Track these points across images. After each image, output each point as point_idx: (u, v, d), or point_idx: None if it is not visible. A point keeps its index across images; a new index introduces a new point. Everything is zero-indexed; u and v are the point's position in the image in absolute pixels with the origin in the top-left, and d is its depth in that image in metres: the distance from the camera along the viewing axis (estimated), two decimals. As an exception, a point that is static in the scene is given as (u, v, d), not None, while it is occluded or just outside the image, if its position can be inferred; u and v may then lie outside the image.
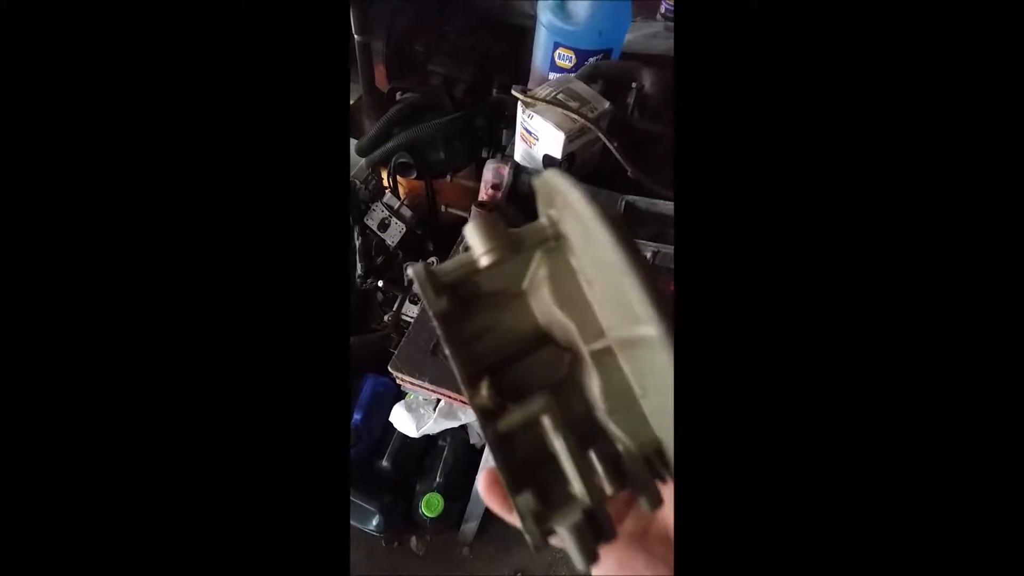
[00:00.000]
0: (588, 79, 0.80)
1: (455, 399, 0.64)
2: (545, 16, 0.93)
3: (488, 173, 0.65)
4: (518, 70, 1.29)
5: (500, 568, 1.16)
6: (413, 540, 1.14)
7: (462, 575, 1.13)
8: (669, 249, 0.55)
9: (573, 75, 0.79)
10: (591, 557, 0.22)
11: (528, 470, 0.24)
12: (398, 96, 1.20)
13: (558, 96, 0.74)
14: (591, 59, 0.91)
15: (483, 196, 0.65)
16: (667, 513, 0.25)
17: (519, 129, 0.76)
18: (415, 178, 1.17)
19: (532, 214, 0.62)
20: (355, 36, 1.06)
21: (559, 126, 0.71)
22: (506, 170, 0.63)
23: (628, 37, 0.97)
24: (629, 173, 0.68)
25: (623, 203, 0.59)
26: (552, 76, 0.96)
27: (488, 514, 1.13)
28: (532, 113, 0.72)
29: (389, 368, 0.60)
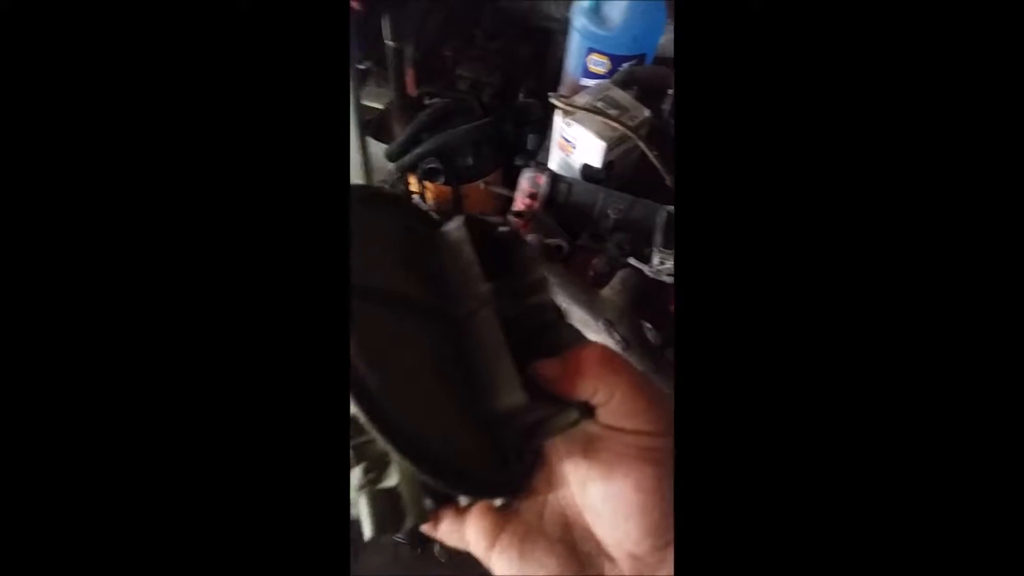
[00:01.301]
0: (623, 85, 0.79)
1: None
2: (579, 20, 0.92)
3: (524, 182, 0.64)
4: (544, 74, 1.28)
5: (523, 577, 1.15)
6: (437, 547, 1.14)
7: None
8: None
9: (609, 82, 0.77)
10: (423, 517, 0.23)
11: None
12: (427, 101, 1.20)
13: (597, 104, 0.72)
14: (625, 64, 0.90)
15: (519, 206, 0.64)
16: (560, 495, 0.25)
17: (556, 137, 0.75)
18: (443, 183, 1.17)
19: (569, 225, 0.61)
20: (388, 42, 1.07)
21: (599, 135, 0.69)
22: (543, 179, 0.62)
23: (662, 41, 0.96)
24: (667, 182, 0.66)
25: (665, 214, 0.58)
26: (585, 82, 0.95)
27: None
28: (571, 121, 0.71)
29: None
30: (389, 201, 0.31)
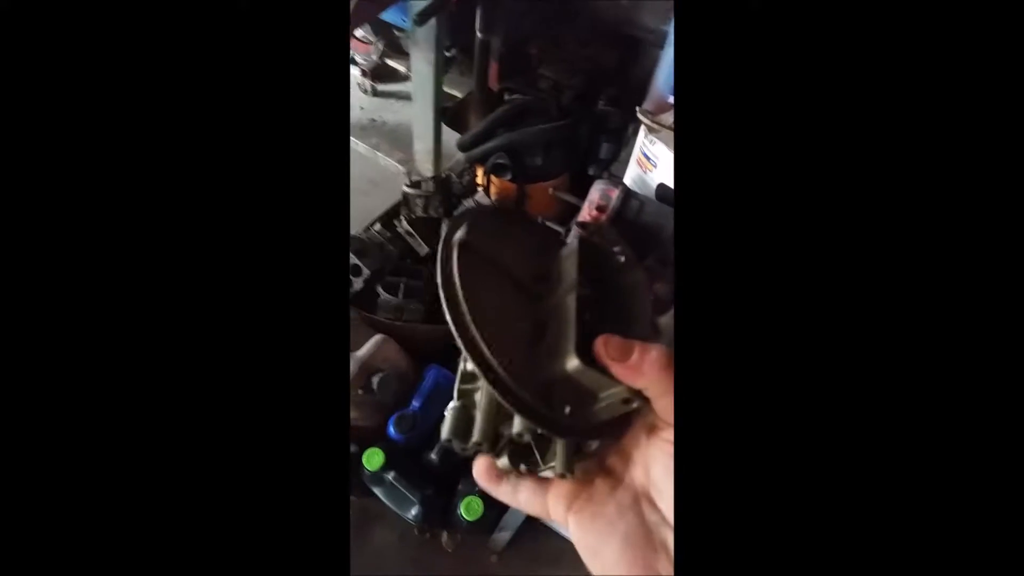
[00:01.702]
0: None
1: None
2: (672, 34, 0.89)
3: (595, 193, 0.62)
4: (628, 84, 1.26)
5: (525, 582, 1.15)
6: (445, 536, 1.14)
7: (487, 581, 1.12)
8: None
9: None
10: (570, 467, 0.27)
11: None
12: (506, 96, 1.20)
13: None
14: None
15: (585, 216, 0.63)
16: (631, 472, 0.28)
17: (636, 153, 0.73)
18: (509, 180, 1.17)
19: (634, 242, 0.60)
20: (478, 33, 1.07)
21: None
22: (615, 193, 0.60)
23: None
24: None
25: None
26: (672, 100, 0.92)
27: (522, 528, 1.12)
28: (655, 139, 0.69)
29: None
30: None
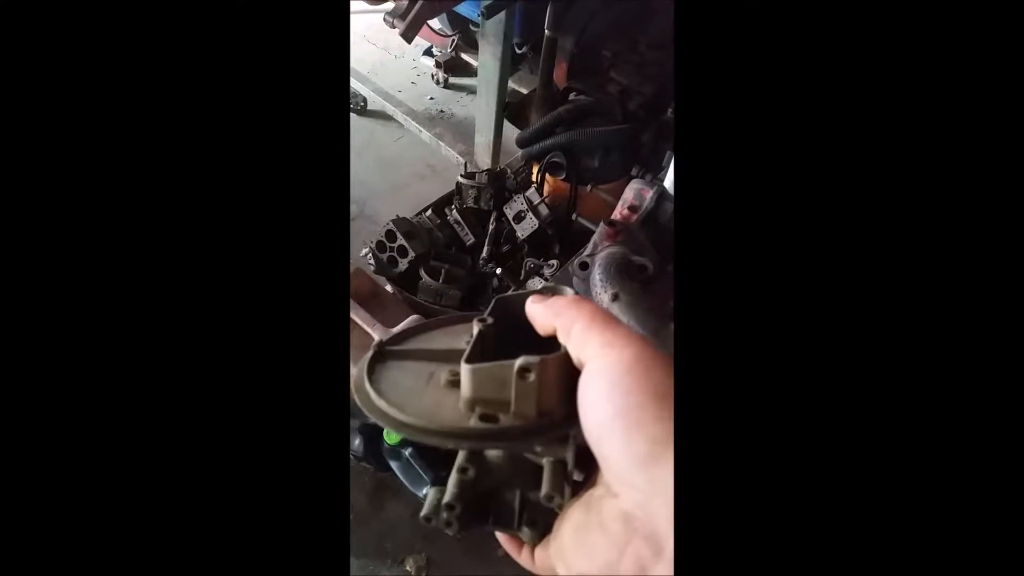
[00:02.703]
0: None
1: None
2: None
3: (629, 192, 0.61)
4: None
5: (529, 582, 1.14)
6: (456, 521, 1.16)
7: (490, 575, 1.13)
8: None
9: None
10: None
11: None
12: (571, 96, 1.20)
13: None
14: None
15: (617, 215, 0.62)
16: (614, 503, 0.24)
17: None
18: (563, 180, 1.17)
19: (662, 246, 0.58)
20: (546, 31, 1.08)
21: None
22: (649, 193, 0.59)
23: None
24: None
25: None
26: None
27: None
28: None
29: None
30: None
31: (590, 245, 0.60)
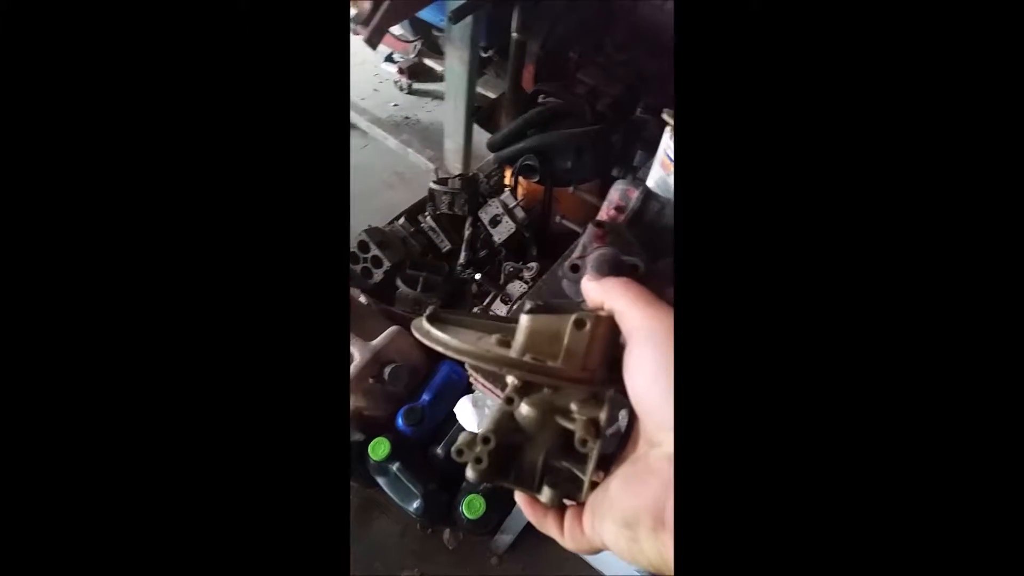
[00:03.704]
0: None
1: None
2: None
3: (614, 193, 0.61)
4: (668, 92, 1.24)
5: (525, 588, 1.13)
6: (447, 533, 1.14)
7: (485, 583, 1.11)
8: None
9: None
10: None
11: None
12: (540, 99, 1.20)
13: None
14: None
15: (603, 216, 0.62)
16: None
17: (660, 154, 0.72)
18: (537, 182, 1.17)
19: (649, 245, 0.59)
20: (513, 33, 1.07)
21: None
22: (635, 193, 0.59)
23: None
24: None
25: None
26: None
27: (524, 532, 1.10)
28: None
29: (468, 367, 0.59)
30: None
31: (579, 247, 0.60)
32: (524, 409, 0.29)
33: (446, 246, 1.17)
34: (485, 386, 0.62)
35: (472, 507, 0.96)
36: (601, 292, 0.29)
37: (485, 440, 0.28)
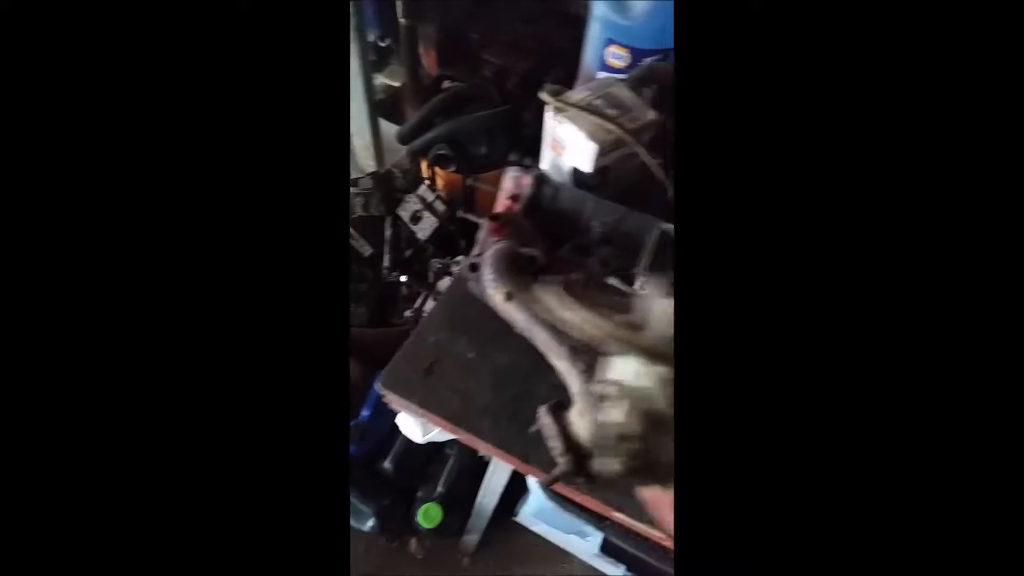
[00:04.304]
0: (639, 83, 0.71)
1: (445, 426, 0.59)
2: (599, 7, 0.84)
3: (508, 181, 0.58)
4: (580, 65, 1.21)
5: (499, 582, 1.12)
6: (413, 542, 1.11)
7: (460, 586, 1.10)
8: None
9: (617, 78, 0.69)
10: None
11: None
12: (445, 84, 1.15)
13: (595, 102, 0.64)
14: (648, 59, 0.82)
15: (500, 208, 0.59)
16: None
17: (547, 136, 0.69)
18: (454, 172, 1.13)
19: (552, 233, 0.57)
20: (400, 19, 1.02)
21: (591, 136, 0.61)
22: (527, 180, 0.56)
23: None
24: (671, 195, 0.59)
25: (659, 232, 0.51)
26: (602, 76, 0.87)
27: (493, 529, 1.09)
28: (562, 119, 0.64)
29: (377, 385, 0.56)
30: None
31: (477, 244, 0.56)
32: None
33: (367, 251, 1.11)
34: (403, 406, 0.59)
35: (429, 516, 0.93)
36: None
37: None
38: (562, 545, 1.08)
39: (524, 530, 1.11)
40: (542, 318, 0.48)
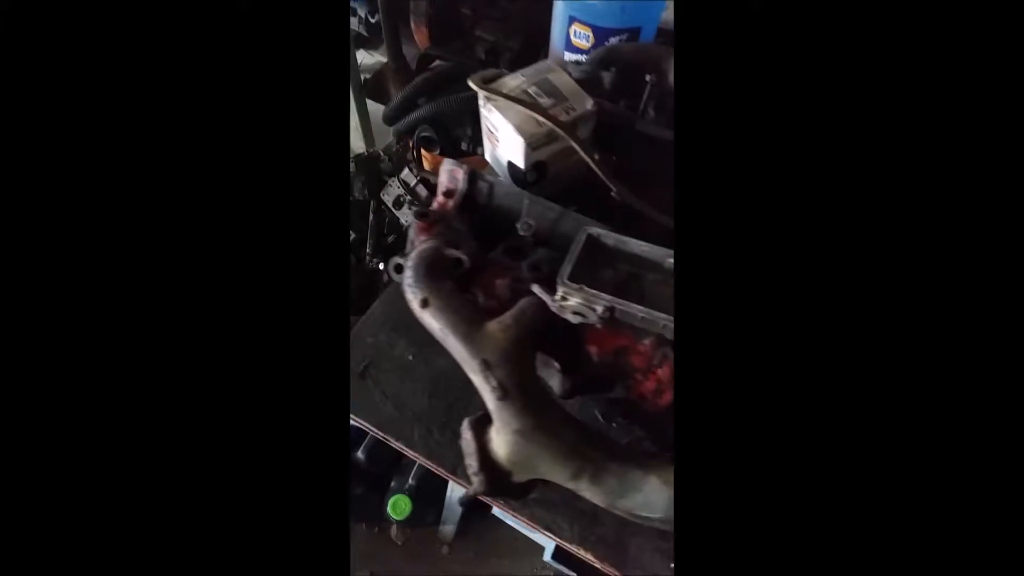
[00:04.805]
0: (600, 64, 0.65)
1: (375, 433, 0.57)
2: (562, -16, 0.77)
3: (443, 175, 0.54)
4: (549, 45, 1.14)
5: (478, 570, 1.12)
6: (394, 528, 1.12)
7: (437, 574, 1.10)
8: (630, 307, 0.40)
9: (553, 64, 0.61)
10: None
11: None
12: (434, 64, 1.10)
13: (529, 90, 0.57)
14: (612, 39, 0.74)
15: (435, 204, 0.55)
16: None
17: (484, 127, 0.64)
18: (439, 154, 1.08)
19: (487, 232, 0.53)
20: (377, -6, 0.97)
21: (519, 129, 0.55)
22: (461, 174, 0.52)
23: (666, 15, 0.78)
24: (614, 193, 0.53)
25: (585, 236, 0.45)
26: (569, 57, 0.81)
27: (471, 519, 1.08)
28: (492, 108, 0.58)
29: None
30: None
31: (407, 243, 0.53)
32: None
33: (351, 236, 1.09)
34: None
35: (397, 508, 0.93)
36: None
37: None
38: (536, 539, 1.06)
39: (502, 524, 1.09)
40: (457, 329, 0.45)
